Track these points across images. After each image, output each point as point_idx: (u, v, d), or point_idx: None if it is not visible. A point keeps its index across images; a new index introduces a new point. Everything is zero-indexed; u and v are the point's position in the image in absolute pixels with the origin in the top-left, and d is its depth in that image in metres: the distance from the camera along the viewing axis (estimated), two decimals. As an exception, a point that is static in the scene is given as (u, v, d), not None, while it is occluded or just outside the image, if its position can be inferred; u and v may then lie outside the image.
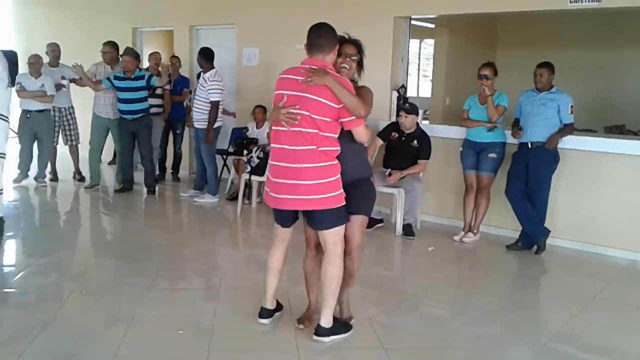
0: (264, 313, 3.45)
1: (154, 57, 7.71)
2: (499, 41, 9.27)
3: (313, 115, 2.95)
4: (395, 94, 6.31)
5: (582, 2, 5.17)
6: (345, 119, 3.00)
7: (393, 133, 5.67)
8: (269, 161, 3.17)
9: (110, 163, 8.69)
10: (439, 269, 4.82)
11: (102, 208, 6.74)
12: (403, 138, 5.63)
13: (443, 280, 4.55)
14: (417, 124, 5.67)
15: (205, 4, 7.91)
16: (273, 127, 3.12)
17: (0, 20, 11.22)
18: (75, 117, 7.61)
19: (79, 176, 7.76)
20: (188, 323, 3.48)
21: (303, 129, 2.97)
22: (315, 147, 2.97)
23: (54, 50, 7.44)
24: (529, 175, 5.09)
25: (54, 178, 7.70)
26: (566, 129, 5.04)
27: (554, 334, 3.52)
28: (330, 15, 6.59)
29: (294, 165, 3.00)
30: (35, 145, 7.28)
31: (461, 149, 5.52)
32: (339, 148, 3.04)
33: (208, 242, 5.50)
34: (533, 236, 5.16)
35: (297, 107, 2.98)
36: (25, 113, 7.14)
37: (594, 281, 4.52)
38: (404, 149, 5.61)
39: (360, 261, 3.31)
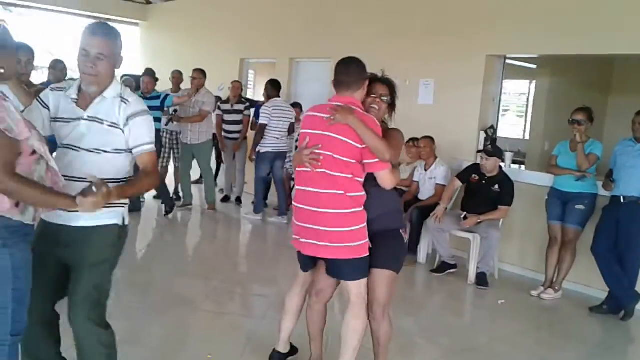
0: (275, 356, 3.26)
1: (234, 85, 8.06)
2: (613, 87, 8.54)
3: (335, 156, 2.77)
4: (482, 135, 6.03)
5: None
6: (368, 161, 2.79)
7: (474, 175, 5.40)
8: (293, 203, 3.02)
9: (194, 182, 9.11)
10: (508, 326, 4.45)
11: (183, 225, 7.02)
12: (484, 181, 5.34)
13: (510, 339, 4.17)
14: (500, 167, 5.36)
15: (304, 38, 8.14)
16: (297, 169, 2.96)
17: (131, 47, 12.31)
18: (183, 143, 7.99)
19: (175, 196, 8.16)
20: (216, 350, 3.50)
21: (327, 171, 2.78)
22: (339, 191, 2.77)
23: (176, 77, 7.95)
24: (619, 232, 4.60)
25: (158, 196, 8.16)
26: None
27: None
28: (420, 51, 6.56)
29: (318, 210, 2.81)
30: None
31: (547, 197, 5.13)
32: (364, 193, 2.83)
33: (271, 268, 5.52)
34: (621, 300, 4.63)
35: (320, 146, 2.80)
36: None
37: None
38: (484, 192, 5.30)
39: (389, 325, 2.99)
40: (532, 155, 7.96)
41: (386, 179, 2.85)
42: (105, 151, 2.33)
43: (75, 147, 2.32)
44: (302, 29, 8.19)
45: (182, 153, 7.70)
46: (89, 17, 11.85)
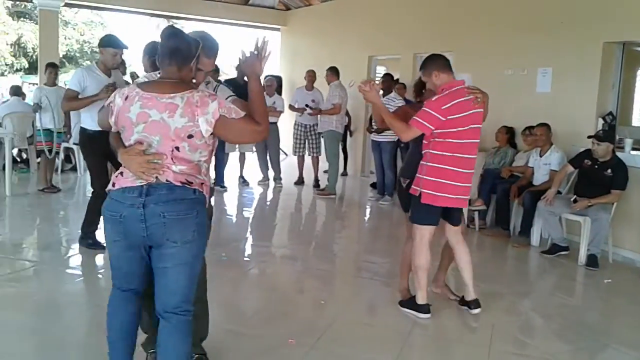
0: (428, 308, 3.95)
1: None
2: None
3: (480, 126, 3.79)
4: (600, 121, 6.09)
5: None
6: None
7: (586, 160, 5.54)
8: (456, 168, 3.71)
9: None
10: (617, 306, 4.63)
11: (319, 209, 7.86)
12: (596, 166, 5.46)
13: (619, 318, 4.37)
14: (613, 151, 5.45)
15: (426, 34, 8.59)
16: (464, 140, 3.70)
17: (273, 50, 13.50)
18: (317, 134, 8.76)
19: (315, 182, 8.97)
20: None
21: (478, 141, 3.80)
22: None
23: (310, 76, 8.82)
24: None
25: (298, 182, 9.11)
26: None
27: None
28: (537, 40, 6.71)
29: (471, 171, 3.81)
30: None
31: (663, 182, 5.17)
32: None
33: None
34: None
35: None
36: None
37: None
38: (597, 177, 5.44)
39: None
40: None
41: None
42: None
43: None
44: (424, 25, 8.65)
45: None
46: (238, 25, 13.22)
